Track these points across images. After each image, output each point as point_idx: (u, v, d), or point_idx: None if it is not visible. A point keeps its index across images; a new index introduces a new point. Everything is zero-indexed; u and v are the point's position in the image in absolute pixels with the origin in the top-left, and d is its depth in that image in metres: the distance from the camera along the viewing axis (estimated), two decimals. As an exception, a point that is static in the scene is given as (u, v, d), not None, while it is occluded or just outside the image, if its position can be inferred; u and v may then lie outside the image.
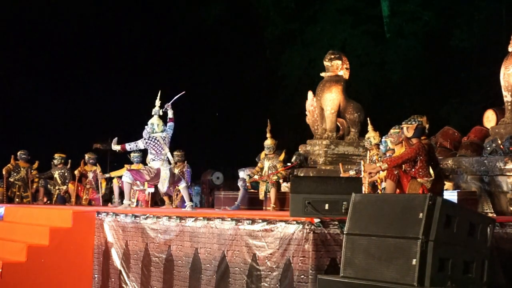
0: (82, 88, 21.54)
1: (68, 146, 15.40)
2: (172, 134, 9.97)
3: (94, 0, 22.23)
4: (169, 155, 9.91)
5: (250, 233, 6.37)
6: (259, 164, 11.19)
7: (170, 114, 10.06)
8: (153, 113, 10.05)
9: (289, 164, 11.55)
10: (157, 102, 10.12)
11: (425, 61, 19.63)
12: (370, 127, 9.94)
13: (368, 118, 10.26)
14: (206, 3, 22.95)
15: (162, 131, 9.91)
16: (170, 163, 10.00)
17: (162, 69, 22.12)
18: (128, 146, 9.98)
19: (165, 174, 9.81)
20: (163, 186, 9.95)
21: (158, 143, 9.81)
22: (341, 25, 20.98)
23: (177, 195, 11.69)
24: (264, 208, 10.74)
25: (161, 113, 10.07)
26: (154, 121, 9.97)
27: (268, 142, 11.14)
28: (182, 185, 10.14)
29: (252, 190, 10.87)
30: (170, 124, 10.00)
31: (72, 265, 8.96)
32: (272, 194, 10.51)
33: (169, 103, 10.06)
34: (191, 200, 10.21)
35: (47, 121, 20.91)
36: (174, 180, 10.08)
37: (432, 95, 18.69)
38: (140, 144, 9.94)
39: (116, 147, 9.99)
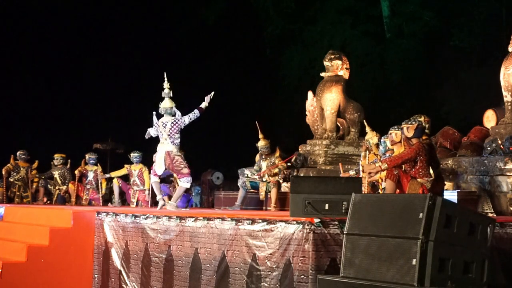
0: (82, 88, 21.53)
1: (68, 146, 15.40)
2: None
3: (94, 0, 22.23)
4: (168, 141, 9.62)
5: (250, 233, 6.37)
6: (255, 167, 11.11)
7: (203, 104, 9.88)
8: (162, 95, 9.95)
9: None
10: (166, 84, 9.98)
11: (425, 61, 19.60)
12: (368, 129, 9.92)
13: (364, 120, 10.23)
14: (206, 3, 22.93)
15: (164, 114, 9.80)
16: (170, 148, 9.64)
17: (162, 69, 22.03)
18: (148, 134, 9.94)
19: (159, 156, 9.62)
20: (159, 168, 9.71)
21: (158, 128, 9.75)
22: (341, 25, 20.93)
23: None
24: (264, 208, 10.73)
25: (171, 95, 9.92)
26: (160, 105, 9.87)
27: (262, 143, 11.04)
28: (183, 182, 9.82)
29: (252, 190, 10.86)
30: (194, 111, 9.77)
31: (72, 265, 8.96)
32: (273, 194, 10.48)
33: (210, 95, 9.91)
34: (189, 202, 10.10)
35: (47, 121, 20.90)
36: (173, 167, 9.69)
37: (432, 95, 18.66)
38: (151, 131, 9.87)
39: (148, 135, 9.92)
